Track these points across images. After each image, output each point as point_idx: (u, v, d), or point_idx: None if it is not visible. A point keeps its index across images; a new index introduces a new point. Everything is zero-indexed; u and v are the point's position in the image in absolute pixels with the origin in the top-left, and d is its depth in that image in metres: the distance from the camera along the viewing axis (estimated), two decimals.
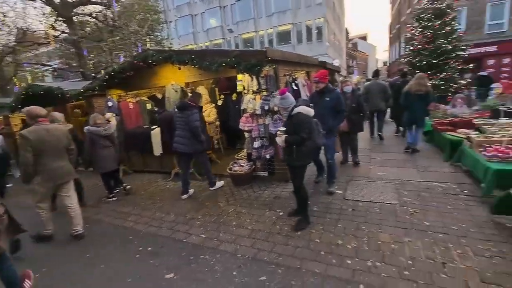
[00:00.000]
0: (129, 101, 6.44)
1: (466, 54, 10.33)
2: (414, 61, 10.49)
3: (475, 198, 3.43)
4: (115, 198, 4.85)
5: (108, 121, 4.89)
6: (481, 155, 3.66)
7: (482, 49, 16.88)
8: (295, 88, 5.02)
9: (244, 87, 4.89)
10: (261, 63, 4.16)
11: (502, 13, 16.39)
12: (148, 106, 6.77)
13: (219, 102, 6.84)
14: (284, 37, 25.71)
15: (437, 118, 6.29)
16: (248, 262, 2.69)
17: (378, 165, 5.05)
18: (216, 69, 4.47)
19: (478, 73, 10.16)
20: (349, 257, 2.58)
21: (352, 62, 43.99)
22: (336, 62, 14.41)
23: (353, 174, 4.72)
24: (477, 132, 4.59)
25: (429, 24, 10.12)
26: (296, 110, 3.04)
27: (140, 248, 3.19)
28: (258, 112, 4.54)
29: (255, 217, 3.58)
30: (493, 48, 16.66)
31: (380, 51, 54.96)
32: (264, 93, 4.51)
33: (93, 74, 12.83)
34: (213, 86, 7.08)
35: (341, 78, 10.79)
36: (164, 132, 5.28)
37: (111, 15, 13.57)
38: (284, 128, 3.06)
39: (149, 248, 3.16)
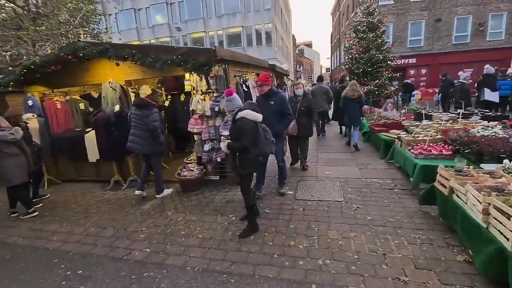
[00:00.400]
0: (57, 100, 5.56)
1: (394, 63, 11.78)
2: (353, 68, 11.54)
3: (407, 191, 3.85)
4: (36, 214, 4.09)
5: (26, 123, 4.11)
6: (409, 153, 4.13)
7: (406, 61, 19.53)
8: (245, 89, 4.98)
9: (192, 87, 4.64)
10: (210, 62, 3.99)
11: (420, 31, 19.28)
12: (81, 106, 5.95)
13: (166, 103, 6.41)
14: (234, 39, 25.78)
15: (373, 120, 6.98)
16: (199, 274, 2.50)
17: (325, 165, 5.33)
18: (161, 67, 4.14)
19: (404, 81, 11.68)
20: (301, 258, 2.60)
21: (299, 67, 46.57)
22: (285, 66, 14.98)
23: (303, 175, 4.88)
24: (405, 133, 5.19)
25: (364, 35, 11.25)
26: (240, 114, 2.84)
27: (68, 273, 2.71)
28: (208, 113, 4.35)
29: (206, 225, 3.39)
30: (413, 60, 19.42)
31: (324, 58, 59.44)
32: (214, 94, 4.34)
33: (10, 68, 10.81)
34: (159, 85, 6.61)
35: (289, 81, 11.26)
36: (99, 135, 4.69)
37: (34, 1, 11.67)
38: (227, 133, 2.91)
39: (79, 271, 2.70)
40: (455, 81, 8.80)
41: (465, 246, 2.50)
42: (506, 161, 2.96)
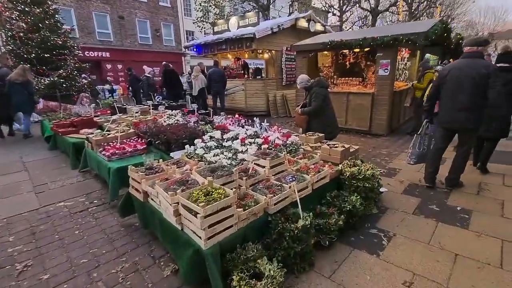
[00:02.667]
0: None
1: (79, 52, 10.13)
2: (20, 51, 8.34)
3: (105, 206, 3.03)
4: None
5: None
6: (101, 155, 3.30)
7: (99, 53, 18.39)
8: None
9: None
10: None
11: (106, 24, 18.81)
12: None
13: None
14: None
15: (58, 119, 5.31)
16: None
17: None
18: None
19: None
20: None
21: None
22: None
23: None
24: (99, 131, 4.30)
25: (27, 9, 8.41)
26: None
27: None
28: None
29: None
30: (107, 54, 18.82)
31: None
32: None
33: None
34: None
35: None
36: None
37: None
38: None
39: None
40: (142, 76, 9.25)
41: (171, 254, 2.18)
42: (187, 146, 3.08)
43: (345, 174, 2.79)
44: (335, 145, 3.24)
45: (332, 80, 7.51)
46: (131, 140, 3.66)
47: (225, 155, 2.76)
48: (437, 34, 5.32)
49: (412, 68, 8.14)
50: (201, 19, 18.31)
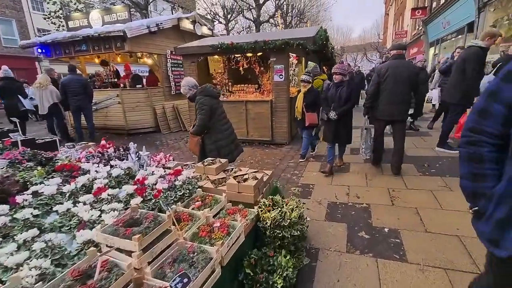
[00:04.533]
0: None
1: None
2: None
3: None
4: None
5: None
6: None
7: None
8: None
9: None
10: None
11: (13, 30, 12.93)
12: None
13: None
14: None
15: None
16: None
17: None
18: None
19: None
20: None
21: None
22: None
23: None
24: None
25: None
26: None
27: None
28: None
29: None
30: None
31: None
32: None
33: None
34: None
35: None
36: None
37: None
38: None
39: None
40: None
41: None
42: None
43: (264, 222, 1.95)
44: (244, 176, 2.38)
45: (227, 88, 6.81)
46: None
47: (46, 243, 1.38)
48: (322, 39, 5.42)
49: (299, 74, 8.50)
50: (56, 14, 14.29)
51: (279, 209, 2.02)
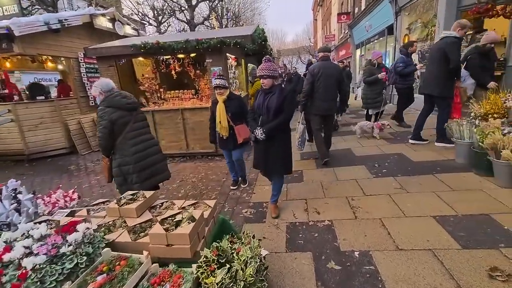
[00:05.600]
0: None
1: None
2: None
3: None
4: None
5: None
6: None
7: None
8: None
9: None
10: None
11: None
12: None
13: None
14: None
15: None
16: None
17: None
18: None
19: None
20: None
21: None
22: None
23: None
24: None
25: None
26: None
27: None
28: None
29: None
30: None
31: None
32: None
33: None
34: None
35: None
36: None
37: None
38: None
39: None
40: None
41: None
42: None
43: None
44: (176, 216, 1.72)
45: (158, 95, 5.88)
46: None
47: None
48: (261, 38, 5.03)
49: (240, 77, 8.04)
50: None
51: (228, 265, 1.42)
